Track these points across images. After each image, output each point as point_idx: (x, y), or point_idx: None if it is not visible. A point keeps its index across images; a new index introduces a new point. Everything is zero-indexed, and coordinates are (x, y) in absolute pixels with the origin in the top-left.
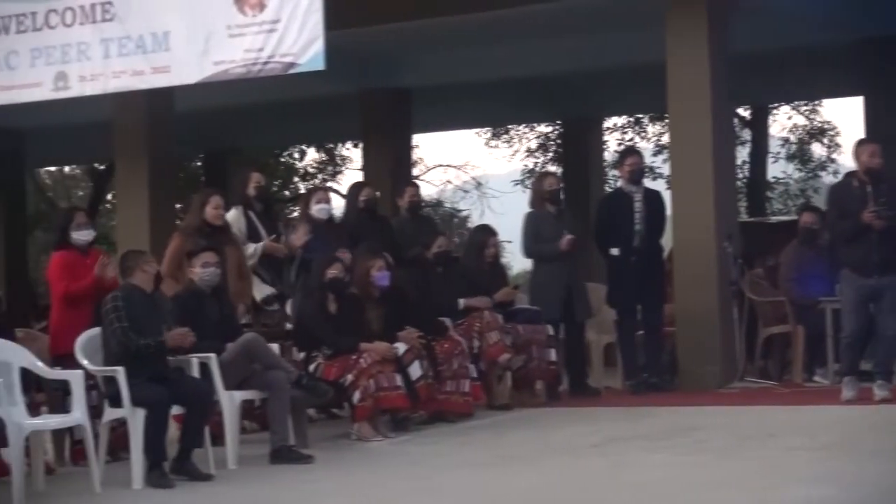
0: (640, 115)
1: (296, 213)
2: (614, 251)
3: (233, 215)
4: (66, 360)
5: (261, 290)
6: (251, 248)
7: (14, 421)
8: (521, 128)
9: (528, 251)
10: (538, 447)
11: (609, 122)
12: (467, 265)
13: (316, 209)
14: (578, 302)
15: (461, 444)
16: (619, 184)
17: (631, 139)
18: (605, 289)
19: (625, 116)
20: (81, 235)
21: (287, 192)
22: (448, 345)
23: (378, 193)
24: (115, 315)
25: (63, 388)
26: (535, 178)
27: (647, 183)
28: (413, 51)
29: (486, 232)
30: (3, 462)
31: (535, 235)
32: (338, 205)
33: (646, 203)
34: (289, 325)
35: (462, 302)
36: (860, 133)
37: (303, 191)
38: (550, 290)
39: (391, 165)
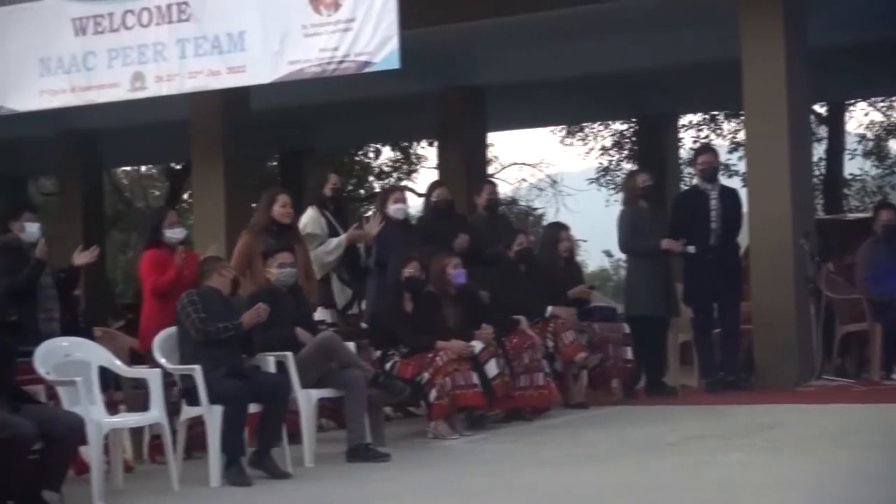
0: (716, 113)
1: (370, 213)
2: (690, 249)
3: (311, 215)
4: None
5: (342, 296)
6: (334, 242)
7: (93, 419)
8: (595, 125)
9: (625, 246)
10: (614, 446)
11: (684, 120)
12: (542, 261)
13: (393, 209)
14: (671, 299)
15: (537, 442)
16: (694, 181)
17: (706, 136)
18: (678, 287)
19: (700, 114)
20: (174, 234)
21: (362, 192)
22: (517, 339)
23: (451, 194)
24: (191, 308)
25: (143, 386)
26: (627, 176)
27: (723, 180)
28: (488, 49)
29: (559, 227)
30: (82, 460)
31: (632, 231)
32: (414, 204)
33: (722, 201)
34: (363, 324)
35: (550, 309)
36: None
37: (377, 190)
38: (650, 286)
39: (466, 164)
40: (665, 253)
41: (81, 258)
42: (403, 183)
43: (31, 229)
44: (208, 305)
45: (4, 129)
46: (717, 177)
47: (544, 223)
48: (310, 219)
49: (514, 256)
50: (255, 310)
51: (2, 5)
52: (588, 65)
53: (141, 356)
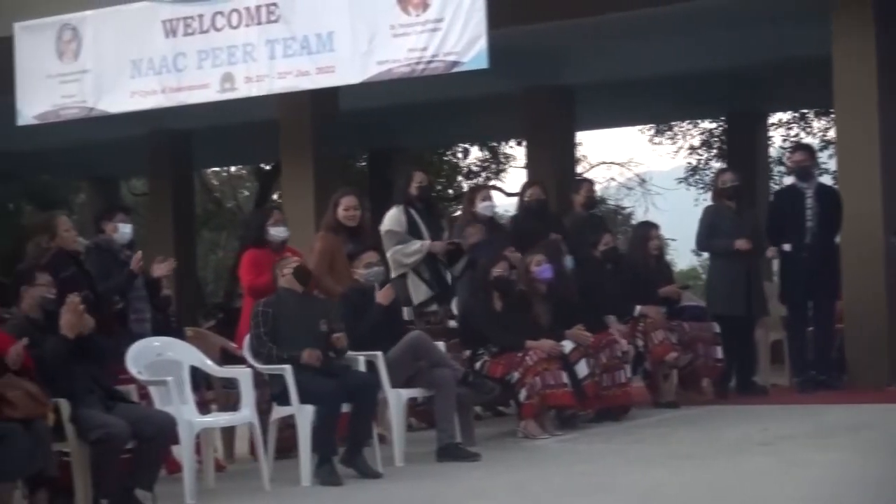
0: (806, 111)
1: (459, 212)
2: (786, 247)
3: (393, 213)
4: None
5: (419, 292)
6: (417, 245)
7: (185, 419)
8: (684, 124)
9: (701, 245)
10: (705, 445)
11: (774, 118)
12: (632, 260)
13: (481, 206)
14: (755, 298)
15: (628, 442)
16: (787, 180)
17: (796, 135)
18: (769, 286)
19: (790, 111)
20: (278, 233)
21: (451, 191)
22: (594, 338)
23: (545, 193)
24: (254, 323)
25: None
26: (714, 174)
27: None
28: (576, 48)
29: (649, 226)
30: (174, 459)
31: (710, 229)
32: (502, 203)
33: (818, 199)
34: (452, 323)
35: (638, 308)
36: None
37: (466, 189)
38: (730, 286)
39: (555, 163)
40: (744, 253)
41: (159, 270)
42: (492, 182)
43: (124, 230)
44: (281, 310)
45: (97, 131)
46: (812, 175)
47: (633, 222)
48: (390, 217)
49: (600, 256)
50: (315, 356)
51: (94, 8)
52: (677, 63)
53: (232, 356)
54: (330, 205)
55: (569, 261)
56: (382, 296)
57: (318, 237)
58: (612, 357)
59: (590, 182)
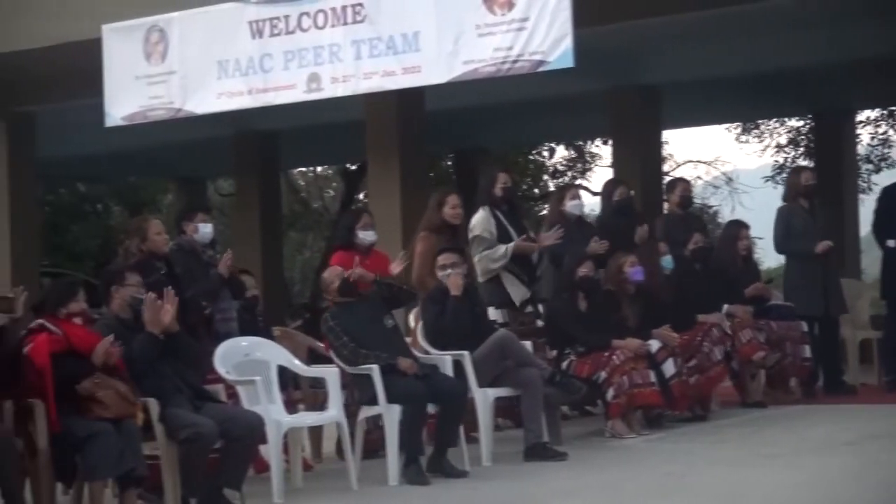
0: (894, 108)
1: (546, 211)
2: (890, 243)
3: (481, 216)
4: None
5: (518, 293)
6: (502, 249)
7: (272, 418)
8: (771, 122)
9: (780, 247)
10: (793, 445)
11: (861, 115)
12: (720, 259)
13: (570, 205)
14: (833, 297)
15: (715, 441)
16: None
17: (884, 132)
18: (858, 284)
19: (878, 109)
20: (366, 236)
21: (536, 191)
22: (688, 336)
23: (632, 192)
24: (333, 336)
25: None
26: (790, 172)
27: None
28: (662, 47)
29: (739, 225)
30: (262, 459)
31: (787, 230)
32: (588, 202)
33: None
34: (539, 323)
35: (725, 308)
36: None
37: (552, 189)
38: (806, 286)
39: (641, 162)
40: (823, 255)
41: (222, 267)
42: (578, 181)
43: (205, 230)
44: (345, 320)
45: (183, 132)
46: None
47: (719, 220)
48: (478, 221)
49: (689, 255)
50: (410, 365)
51: (181, 10)
52: (763, 60)
53: (319, 355)
54: (433, 204)
55: (667, 261)
56: (452, 285)
57: (419, 238)
58: (713, 341)
59: (685, 181)
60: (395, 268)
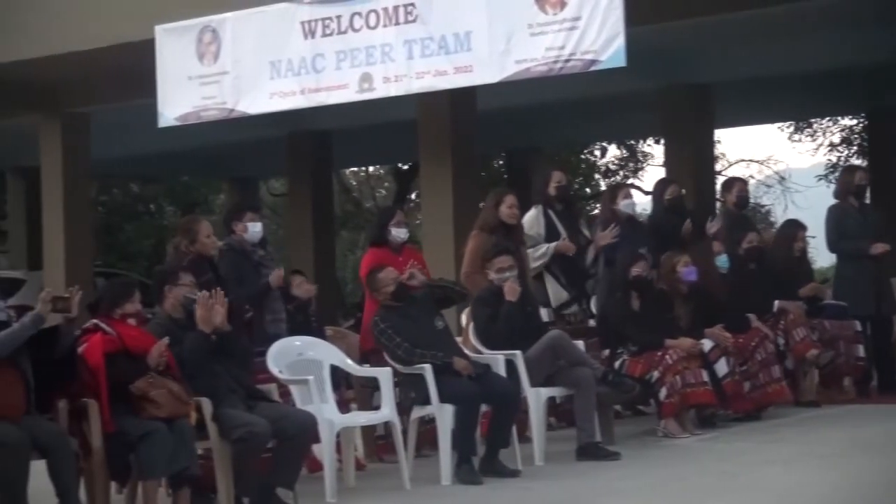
0: None
1: (597, 210)
2: None
3: (532, 215)
4: (375, 355)
5: (556, 294)
6: (543, 248)
7: (325, 417)
8: (824, 121)
9: (833, 247)
10: (846, 445)
11: None
12: (775, 258)
13: (622, 204)
14: (885, 297)
15: (769, 441)
16: None
17: None
18: None
19: None
20: (400, 233)
21: (588, 190)
22: (744, 339)
23: (683, 191)
24: (385, 338)
25: (373, 385)
26: (843, 170)
27: None
28: (714, 45)
29: (796, 226)
30: (315, 458)
31: (838, 229)
32: (640, 201)
33: None
34: (591, 322)
35: (777, 304)
36: None
37: (604, 188)
38: (859, 286)
39: (693, 161)
40: (878, 257)
41: (299, 290)
42: (630, 181)
43: (254, 229)
44: (395, 322)
45: (236, 132)
46: None
47: (772, 220)
48: (529, 219)
49: (743, 254)
50: (467, 367)
51: (233, 10)
52: (816, 59)
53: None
54: (490, 203)
55: (722, 260)
56: (508, 291)
57: (471, 236)
58: (768, 353)
59: (742, 181)
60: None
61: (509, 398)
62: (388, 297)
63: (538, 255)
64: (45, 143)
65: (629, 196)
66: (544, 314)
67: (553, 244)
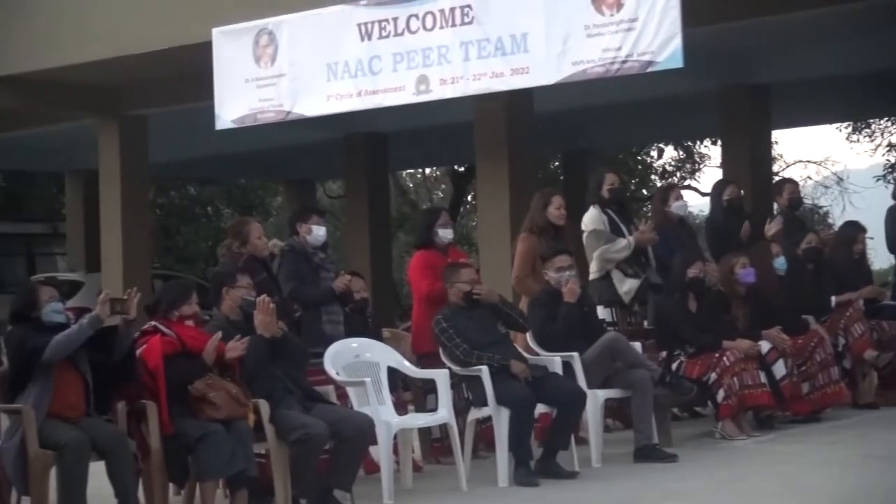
0: None
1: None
2: None
3: (592, 214)
4: (427, 357)
5: (627, 286)
6: (624, 242)
7: (382, 419)
8: (882, 121)
9: (893, 247)
10: None
11: None
12: (834, 260)
13: (675, 206)
14: None
15: (827, 443)
16: None
17: None
18: None
19: None
20: (446, 234)
21: (644, 191)
22: (802, 340)
23: (742, 192)
24: (446, 337)
25: (427, 387)
26: None
27: None
28: (771, 46)
29: (856, 228)
30: (372, 460)
31: None
32: (696, 203)
33: None
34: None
35: (834, 300)
36: None
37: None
38: None
39: (750, 162)
40: None
41: (338, 285)
42: (686, 182)
43: (318, 232)
44: (458, 322)
45: (293, 134)
46: None
47: (830, 221)
48: (591, 217)
49: (802, 255)
50: (525, 371)
51: (290, 12)
52: (874, 59)
53: (425, 356)
54: (537, 204)
55: (781, 262)
56: (569, 293)
57: (520, 238)
58: (827, 354)
59: (793, 182)
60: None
61: (574, 399)
62: (460, 295)
63: (619, 247)
64: (104, 146)
65: (680, 197)
66: (608, 314)
67: (632, 237)
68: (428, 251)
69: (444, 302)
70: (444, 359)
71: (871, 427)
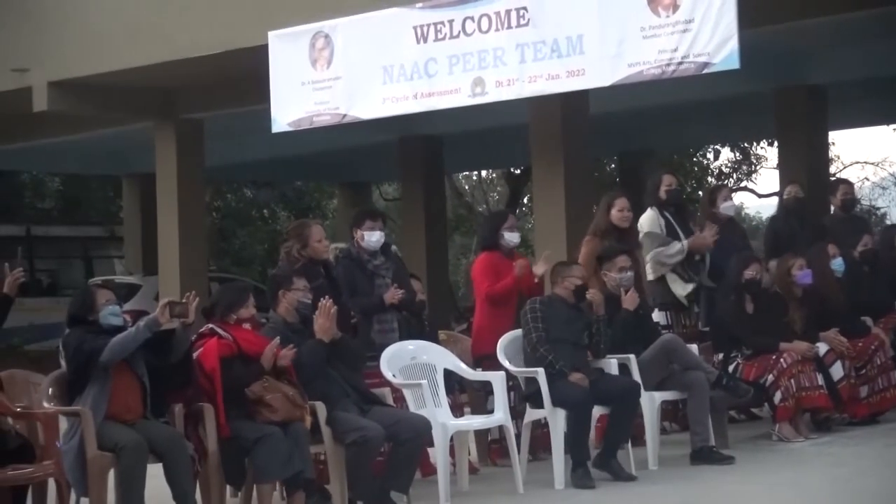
0: None
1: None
2: None
3: (649, 215)
4: (487, 360)
5: (682, 289)
6: (678, 245)
7: (439, 421)
8: None
9: None
10: None
11: None
12: (887, 261)
13: (724, 206)
14: None
15: (885, 445)
16: None
17: None
18: None
19: None
20: (513, 237)
21: (700, 193)
22: (862, 343)
23: (801, 193)
24: (531, 317)
25: (484, 389)
26: None
27: None
28: (828, 46)
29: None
30: (428, 461)
31: None
32: (752, 204)
33: None
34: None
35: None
36: None
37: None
38: None
39: (807, 163)
40: None
41: (389, 297)
42: (743, 184)
43: (371, 238)
44: (549, 313)
45: (349, 137)
46: None
47: (888, 222)
48: (648, 219)
49: (858, 257)
50: (584, 381)
51: (345, 15)
52: None
53: (485, 358)
54: (601, 207)
55: (838, 264)
56: (629, 301)
57: (584, 242)
58: (885, 358)
59: (847, 183)
60: (539, 269)
61: (628, 394)
62: (571, 289)
63: (673, 252)
64: (161, 149)
65: (729, 198)
66: (663, 317)
67: (687, 241)
68: (492, 253)
69: (505, 304)
70: (500, 348)
71: None
